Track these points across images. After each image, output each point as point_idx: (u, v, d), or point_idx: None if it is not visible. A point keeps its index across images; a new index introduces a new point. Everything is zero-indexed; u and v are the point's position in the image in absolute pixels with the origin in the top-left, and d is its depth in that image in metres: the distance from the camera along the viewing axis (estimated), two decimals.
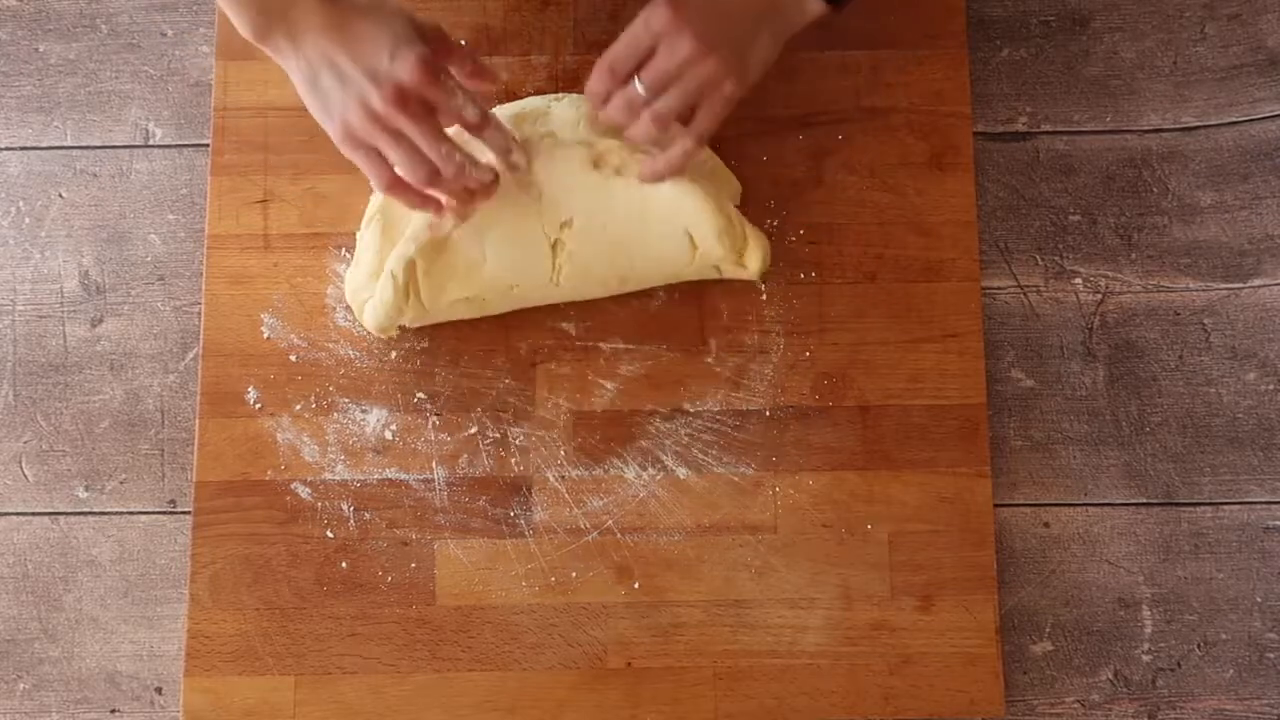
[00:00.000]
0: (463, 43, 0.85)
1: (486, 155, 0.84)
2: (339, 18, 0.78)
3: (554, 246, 0.85)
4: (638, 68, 0.80)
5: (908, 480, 0.88)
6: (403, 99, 0.78)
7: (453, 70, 0.82)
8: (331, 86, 0.79)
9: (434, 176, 0.81)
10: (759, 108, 0.91)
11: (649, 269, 0.87)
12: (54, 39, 0.97)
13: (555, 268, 0.86)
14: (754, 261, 0.87)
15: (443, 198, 0.84)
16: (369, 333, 0.89)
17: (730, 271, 0.88)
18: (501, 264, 0.86)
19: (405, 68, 0.77)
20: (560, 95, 0.90)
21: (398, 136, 0.79)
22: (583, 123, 0.87)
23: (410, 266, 0.84)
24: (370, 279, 0.87)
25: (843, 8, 0.81)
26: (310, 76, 0.79)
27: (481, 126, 0.81)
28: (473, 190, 0.84)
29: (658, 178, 0.84)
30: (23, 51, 0.97)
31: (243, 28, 0.79)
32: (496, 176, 0.84)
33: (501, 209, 0.85)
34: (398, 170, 0.81)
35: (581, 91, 0.92)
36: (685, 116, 0.82)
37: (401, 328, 0.88)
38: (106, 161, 0.95)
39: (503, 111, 0.89)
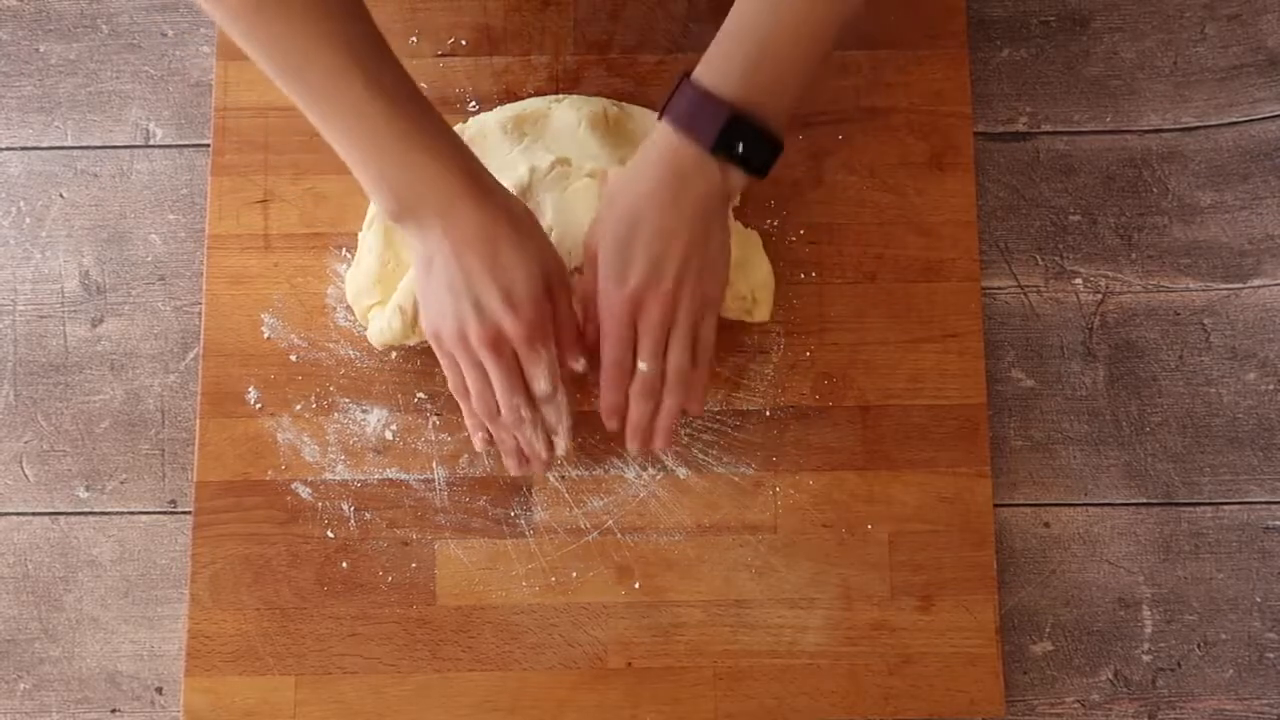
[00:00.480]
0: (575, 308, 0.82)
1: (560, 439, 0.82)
2: (480, 228, 0.75)
3: None
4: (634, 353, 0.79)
5: (908, 480, 0.88)
6: (497, 344, 0.76)
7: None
8: (440, 289, 0.76)
9: (494, 416, 0.80)
10: None
11: None
12: (54, 39, 0.97)
13: None
14: (761, 312, 0.88)
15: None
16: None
17: (735, 315, 0.87)
18: None
19: (513, 325, 0.76)
20: (560, 97, 0.90)
21: (478, 366, 0.78)
22: (583, 125, 0.87)
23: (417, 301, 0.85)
24: (372, 283, 0.86)
25: (766, 175, 0.78)
26: (427, 262, 0.77)
27: (547, 399, 0.79)
28: (523, 452, 0.82)
29: (702, 403, 0.83)
30: (23, 51, 0.97)
31: (379, 207, 0.76)
32: (551, 460, 0.82)
33: None
34: (471, 393, 0.80)
35: (581, 91, 0.92)
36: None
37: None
38: (107, 161, 0.95)
39: (503, 113, 0.89)
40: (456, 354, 0.78)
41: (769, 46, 0.75)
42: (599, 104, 0.89)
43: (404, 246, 0.86)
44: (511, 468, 0.83)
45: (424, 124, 0.74)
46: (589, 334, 0.80)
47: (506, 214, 0.76)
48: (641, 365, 0.79)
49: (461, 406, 0.82)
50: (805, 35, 0.75)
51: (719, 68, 0.76)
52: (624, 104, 0.90)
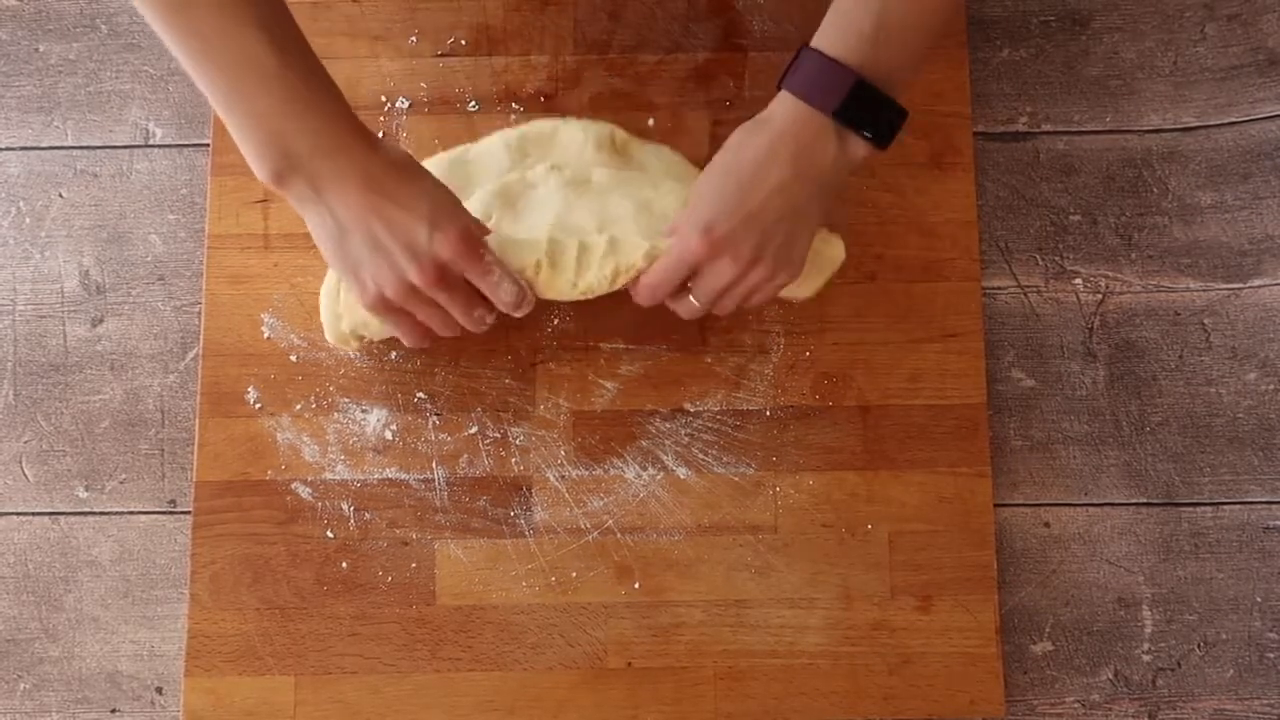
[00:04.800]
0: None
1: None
2: (375, 179, 0.74)
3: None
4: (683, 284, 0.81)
5: (908, 480, 0.88)
6: (444, 277, 0.76)
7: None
8: (363, 253, 0.75)
9: (464, 332, 0.81)
10: (760, 108, 0.91)
11: None
12: (54, 39, 0.97)
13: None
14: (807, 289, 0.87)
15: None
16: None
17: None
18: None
19: (447, 245, 0.75)
20: (568, 119, 0.89)
21: (433, 305, 0.78)
22: (590, 146, 0.87)
23: (336, 290, 0.85)
24: (335, 288, 0.86)
25: (889, 144, 0.77)
26: (336, 234, 0.75)
27: (516, 306, 0.80)
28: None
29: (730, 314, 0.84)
30: (23, 51, 0.97)
31: (260, 171, 0.73)
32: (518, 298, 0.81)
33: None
34: (432, 327, 0.81)
35: (581, 91, 0.92)
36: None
37: (364, 338, 0.87)
38: (107, 161, 0.95)
39: (509, 133, 0.88)
40: (409, 306, 0.78)
41: (891, 12, 0.74)
42: (607, 128, 0.89)
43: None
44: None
45: (314, 80, 0.73)
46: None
47: (394, 159, 0.75)
48: (691, 299, 0.81)
49: (423, 346, 0.83)
50: (926, 1, 0.75)
51: (841, 34, 0.75)
52: (633, 136, 0.90)
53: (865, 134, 0.76)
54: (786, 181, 0.76)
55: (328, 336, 0.87)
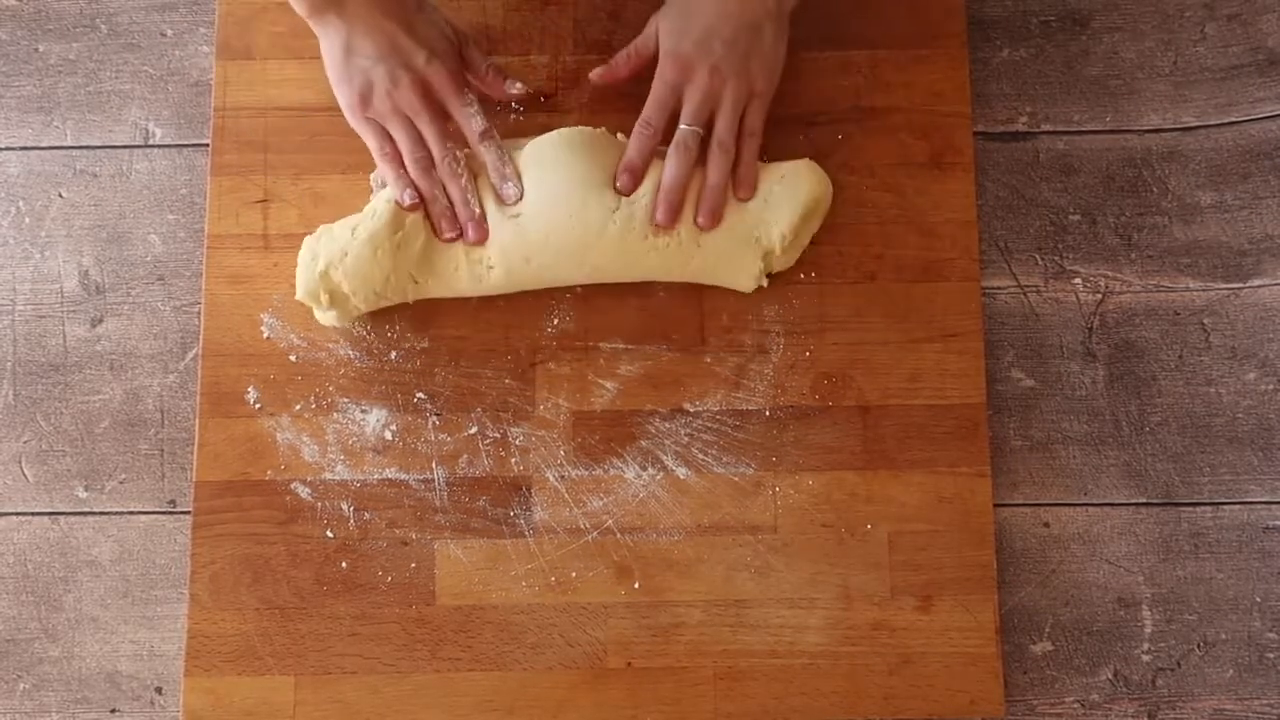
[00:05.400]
0: (490, 62, 0.90)
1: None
2: (394, 11, 0.84)
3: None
4: (671, 121, 0.87)
5: (908, 480, 0.88)
6: (426, 93, 0.86)
7: (472, 79, 0.89)
8: (363, 60, 0.85)
9: (429, 168, 0.87)
10: None
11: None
12: (54, 39, 0.97)
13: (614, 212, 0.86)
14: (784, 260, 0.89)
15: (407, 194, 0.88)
16: (369, 332, 0.90)
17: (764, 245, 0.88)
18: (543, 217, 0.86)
19: (438, 75, 0.85)
20: (580, 130, 0.89)
21: (407, 122, 0.86)
22: (563, 134, 0.88)
23: (319, 236, 0.87)
24: (319, 234, 0.88)
25: None
26: (346, 44, 0.85)
27: (483, 137, 0.87)
28: (456, 219, 0.87)
29: (751, 188, 0.88)
30: (23, 51, 0.97)
31: (300, 3, 0.83)
32: (484, 220, 0.87)
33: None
34: (401, 149, 0.87)
35: (581, 90, 0.92)
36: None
37: (336, 289, 0.87)
38: (106, 161, 0.95)
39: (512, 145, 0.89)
40: (384, 113, 0.86)
41: None
42: (590, 129, 0.89)
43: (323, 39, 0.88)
44: (444, 231, 0.87)
45: None
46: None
47: None
48: (682, 125, 0.86)
49: (389, 174, 0.87)
50: None
51: None
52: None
53: None
54: (735, 4, 0.84)
55: (299, 291, 0.86)
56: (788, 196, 0.87)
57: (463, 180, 0.87)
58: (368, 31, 0.84)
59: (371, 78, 0.85)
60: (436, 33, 0.86)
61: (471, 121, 0.87)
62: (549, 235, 0.86)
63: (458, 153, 0.87)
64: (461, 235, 0.87)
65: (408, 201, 0.86)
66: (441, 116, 0.87)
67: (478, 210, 0.87)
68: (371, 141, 0.87)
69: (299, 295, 0.87)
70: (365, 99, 0.86)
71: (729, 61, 0.85)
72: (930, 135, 0.92)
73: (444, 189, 0.87)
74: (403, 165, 0.87)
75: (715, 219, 0.86)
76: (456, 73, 0.86)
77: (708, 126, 0.86)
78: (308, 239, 0.88)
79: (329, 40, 0.86)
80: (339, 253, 0.86)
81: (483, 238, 0.87)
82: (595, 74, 0.90)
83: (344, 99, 0.87)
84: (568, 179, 0.86)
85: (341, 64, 0.86)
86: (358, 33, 0.84)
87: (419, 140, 0.87)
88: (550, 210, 0.86)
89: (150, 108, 0.96)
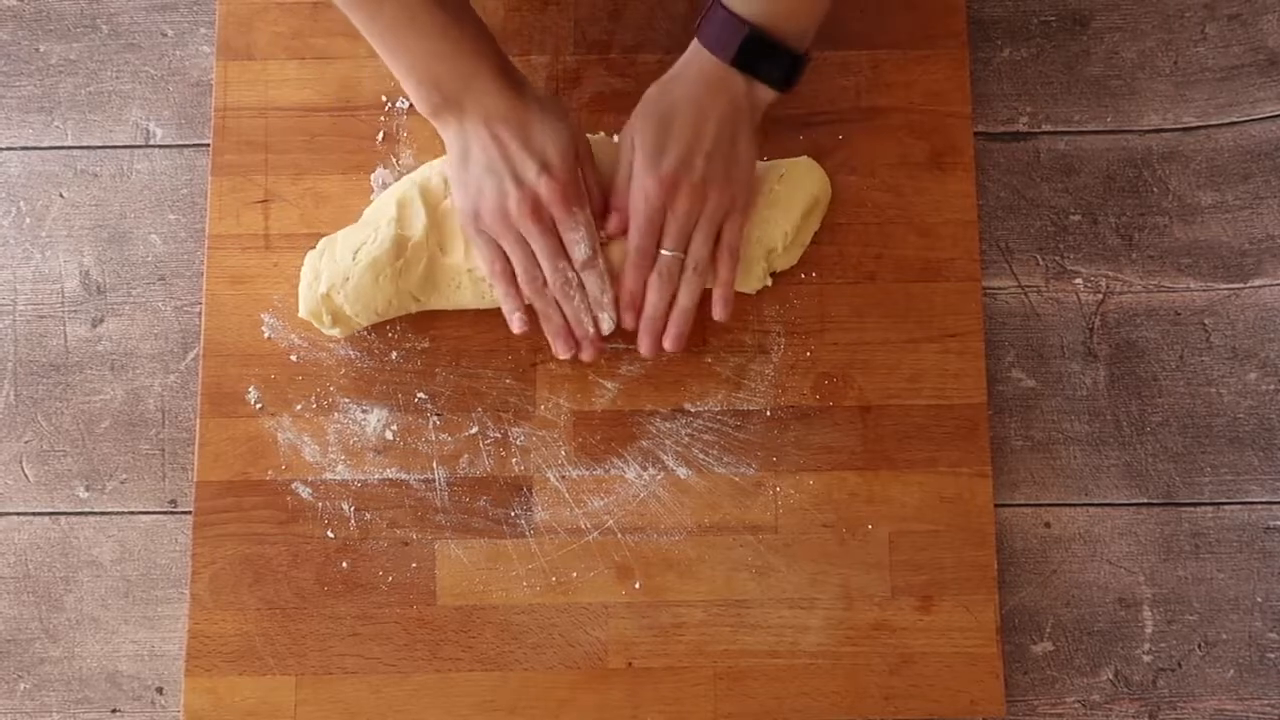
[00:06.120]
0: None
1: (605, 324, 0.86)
2: (512, 110, 0.82)
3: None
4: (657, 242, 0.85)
5: (908, 480, 0.88)
6: (537, 210, 0.82)
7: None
8: (478, 173, 0.83)
9: (542, 288, 0.85)
10: None
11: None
12: (54, 39, 0.97)
13: None
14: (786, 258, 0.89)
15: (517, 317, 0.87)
16: (369, 332, 0.90)
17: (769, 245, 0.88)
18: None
19: (549, 189, 0.82)
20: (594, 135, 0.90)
21: (520, 240, 0.84)
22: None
23: (320, 252, 0.87)
24: (320, 251, 0.88)
25: (793, 88, 0.84)
26: (463, 151, 0.83)
27: (589, 264, 0.84)
28: (571, 336, 0.86)
29: (728, 309, 0.86)
30: (23, 51, 0.97)
31: (420, 104, 0.82)
32: (599, 339, 0.86)
33: None
34: (515, 267, 0.85)
35: (581, 90, 0.92)
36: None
37: (337, 308, 0.87)
38: (107, 161, 0.95)
39: None
40: (497, 229, 0.83)
41: None
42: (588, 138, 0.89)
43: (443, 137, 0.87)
44: (560, 350, 0.86)
45: (465, 26, 0.81)
46: (614, 225, 0.85)
47: (535, 98, 0.83)
48: (664, 251, 0.84)
49: (499, 289, 0.85)
50: None
51: None
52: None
53: (763, 80, 0.83)
54: (711, 117, 0.82)
55: (301, 310, 0.86)
56: (788, 194, 0.87)
57: (575, 301, 0.84)
58: (480, 140, 0.82)
59: (484, 189, 0.83)
60: (553, 138, 0.82)
61: (576, 249, 0.83)
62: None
63: (569, 273, 0.84)
64: (579, 352, 0.86)
65: (517, 329, 0.85)
66: (553, 232, 0.84)
67: (592, 330, 0.85)
68: (483, 254, 0.85)
69: (302, 314, 0.87)
70: (477, 212, 0.83)
71: (711, 177, 0.83)
72: (931, 135, 0.92)
73: (558, 307, 0.85)
74: (514, 282, 0.85)
75: (681, 343, 0.85)
76: (569, 184, 0.82)
77: (683, 247, 0.85)
78: (310, 255, 0.87)
79: (449, 144, 0.84)
80: (341, 277, 0.85)
81: (597, 356, 0.86)
82: (614, 234, 0.86)
83: (460, 207, 0.85)
84: None
85: (458, 171, 0.84)
86: (473, 140, 0.82)
87: (531, 257, 0.84)
88: None
89: (151, 108, 0.96)
